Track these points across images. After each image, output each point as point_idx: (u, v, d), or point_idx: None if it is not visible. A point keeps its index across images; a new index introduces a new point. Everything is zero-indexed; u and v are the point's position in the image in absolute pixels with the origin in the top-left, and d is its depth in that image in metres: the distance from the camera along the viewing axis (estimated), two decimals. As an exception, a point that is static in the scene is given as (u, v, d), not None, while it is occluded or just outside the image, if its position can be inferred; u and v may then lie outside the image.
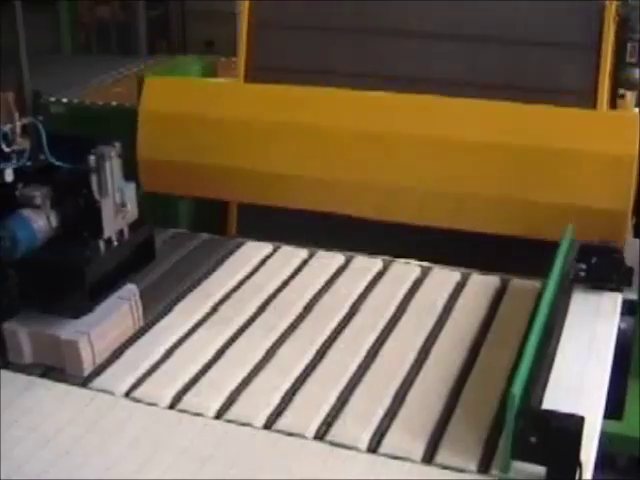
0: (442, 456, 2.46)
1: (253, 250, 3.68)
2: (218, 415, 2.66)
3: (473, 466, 2.42)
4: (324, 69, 4.14)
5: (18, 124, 2.84)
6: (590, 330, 3.03)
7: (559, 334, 2.98)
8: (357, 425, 2.59)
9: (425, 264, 3.54)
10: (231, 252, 3.66)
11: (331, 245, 3.70)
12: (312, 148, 3.82)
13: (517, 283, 3.39)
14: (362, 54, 4.07)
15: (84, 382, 2.81)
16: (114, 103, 5.72)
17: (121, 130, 3.79)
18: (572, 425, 2.25)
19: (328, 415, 2.65)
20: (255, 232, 3.87)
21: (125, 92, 5.70)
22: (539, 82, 3.84)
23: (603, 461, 2.53)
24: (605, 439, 2.56)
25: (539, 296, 3.00)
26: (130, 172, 2.98)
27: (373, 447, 2.51)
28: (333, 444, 2.52)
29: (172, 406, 2.70)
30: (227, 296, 3.32)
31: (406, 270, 3.51)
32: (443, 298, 3.30)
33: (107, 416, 2.64)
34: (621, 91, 3.92)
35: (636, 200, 3.52)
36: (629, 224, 3.56)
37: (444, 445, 2.50)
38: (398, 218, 3.77)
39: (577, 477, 2.25)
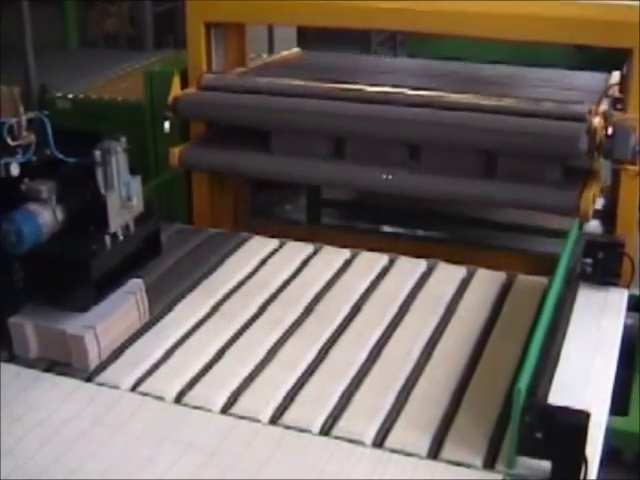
0: (447, 451, 2.46)
1: (259, 245, 3.67)
2: (224, 410, 2.66)
3: (478, 461, 2.41)
4: None
5: (24, 118, 2.84)
6: (596, 326, 3.03)
7: (565, 330, 2.98)
8: (363, 420, 2.59)
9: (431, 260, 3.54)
10: (237, 247, 3.66)
11: None
12: None
13: (523, 279, 3.38)
14: None
15: (90, 376, 2.81)
16: (120, 98, 5.72)
17: (127, 125, 3.79)
18: (578, 420, 2.24)
19: (334, 410, 2.65)
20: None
21: (132, 87, 5.70)
22: None
23: (608, 457, 2.53)
24: (610, 435, 2.56)
25: (545, 292, 3.00)
26: (136, 166, 2.98)
27: (379, 442, 2.51)
28: (339, 439, 2.52)
29: (178, 400, 2.70)
30: (233, 291, 3.32)
31: (412, 265, 3.50)
32: (449, 294, 3.30)
33: (113, 410, 2.64)
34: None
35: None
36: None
37: (449, 440, 2.50)
38: None
39: (582, 472, 2.25)
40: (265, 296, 3.28)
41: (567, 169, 3.54)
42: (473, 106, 3.65)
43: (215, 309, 3.20)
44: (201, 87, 4.04)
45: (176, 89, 3.98)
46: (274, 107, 3.85)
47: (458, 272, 3.45)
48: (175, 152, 3.92)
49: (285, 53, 5.06)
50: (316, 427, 2.57)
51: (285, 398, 2.70)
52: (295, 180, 4.01)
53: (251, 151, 3.92)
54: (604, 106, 3.75)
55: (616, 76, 4.29)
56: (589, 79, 4.41)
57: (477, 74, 4.57)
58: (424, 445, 2.49)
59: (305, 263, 3.54)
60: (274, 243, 3.69)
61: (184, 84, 4.09)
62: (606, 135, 3.36)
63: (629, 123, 3.40)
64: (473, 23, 3.72)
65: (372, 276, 3.43)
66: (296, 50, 5.13)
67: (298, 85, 3.97)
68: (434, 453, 2.47)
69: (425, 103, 3.71)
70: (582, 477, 2.26)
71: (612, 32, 3.49)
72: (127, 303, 2.99)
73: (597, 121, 3.39)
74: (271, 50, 6.58)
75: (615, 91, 4.08)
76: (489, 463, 2.42)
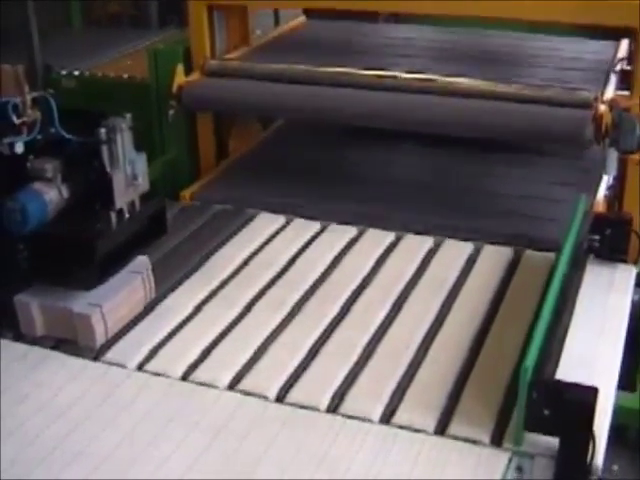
0: (454, 428, 2.45)
1: (265, 223, 3.67)
2: (230, 388, 2.65)
3: (486, 438, 2.41)
4: None
5: (28, 97, 2.82)
6: (603, 303, 3.01)
7: (572, 306, 2.97)
8: (369, 398, 2.58)
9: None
10: (243, 225, 3.65)
11: None
12: None
13: (530, 255, 3.37)
14: None
15: (96, 355, 2.81)
16: (125, 76, 5.72)
17: (133, 103, 3.77)
18: (586, 397, 2.23)
19: (340, 388, 2.64)
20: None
21: (136, 65, 5.69)
22: None
23: (615, 434, 2.53)
24: (617, 412, 2.56)
25: (552, 268, 2.99)
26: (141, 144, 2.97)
27: (386, 419, 2.51)
28: (345, 417, 2.52)
29: (184, 379, 2.70)
30: (238, 270, 3.32)
31: (418, 243, 3.49)
32: (455, 271, 3.29)
33: (119, 389, 2.64)
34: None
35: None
36: None
37: (456, 417, 2.49)
38: None
39: (590, 449, 2.25)
40: (270, 275, 3.27)
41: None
42: (483, 93, 3.66)
43: (220, 288, 3.19)
44: (205, 74, 4.01)
45: (180, 77, 3.94)
46: (282, 94, 3.83)
47: (465, 248, 3.43)
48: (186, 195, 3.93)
49: (290, 24, 5.02)
50: (323, 405, 2.57)
51: (290, 378, 2.70)
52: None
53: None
54: (611, 87, 3.73)
55: (624, 45, 4.29)
56: (597, 51, 4.40)
57: (488, 47, 4.59)
58: (431, 423, 2.48)
59: (311, 241, 3.53)
60: (280, 221, 3.68)
61: (188, 63, 4.07)
62: (613, 124, 3.34)
63: (636, 110, 3.39)
64: (474, 3, 3.70)
65: (378, 254, 3.42)
66: (302, 19, 5.09)
67: (307, 70, 3.95)
68: (441, 430, 2.46)
69: (428, 88, 3.74)
70: (590, 453, 2.25)
71: (617, 11, 3.46)
72: (133, 282, 2.98)
73: (603, 108, 3.37)
74: (277, 23, 6.52)
75: (624, 64, 4.06)
76: (496, 440, 2.41)
